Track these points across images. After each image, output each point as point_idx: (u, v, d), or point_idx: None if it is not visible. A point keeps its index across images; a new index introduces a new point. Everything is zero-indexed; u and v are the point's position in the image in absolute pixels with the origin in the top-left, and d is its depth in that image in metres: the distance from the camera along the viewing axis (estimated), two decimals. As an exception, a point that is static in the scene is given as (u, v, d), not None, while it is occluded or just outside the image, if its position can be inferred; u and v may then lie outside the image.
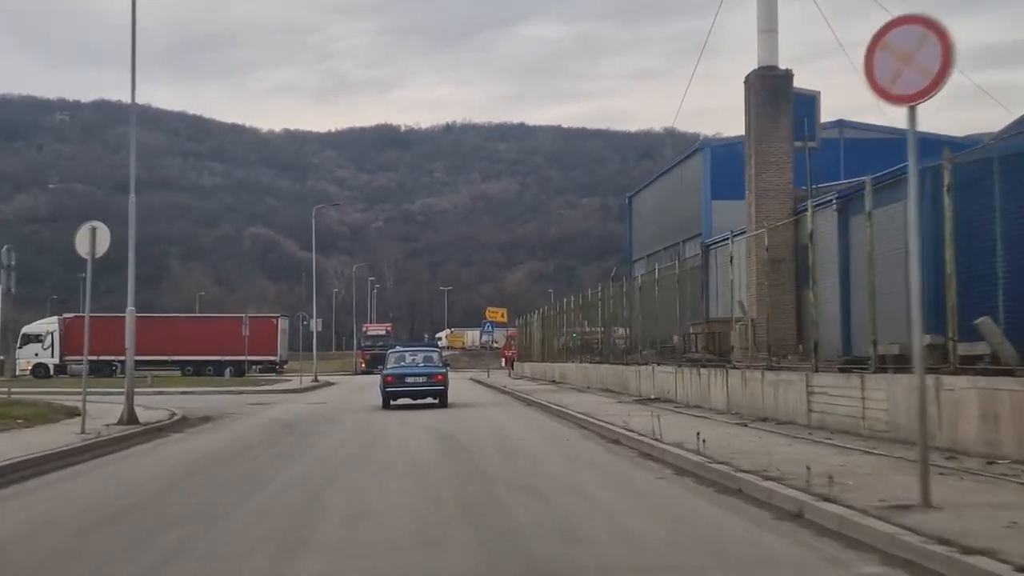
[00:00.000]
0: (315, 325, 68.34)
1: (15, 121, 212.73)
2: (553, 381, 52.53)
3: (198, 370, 78.25)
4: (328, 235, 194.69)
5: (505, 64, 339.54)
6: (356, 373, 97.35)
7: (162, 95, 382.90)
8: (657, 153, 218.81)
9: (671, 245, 56.24)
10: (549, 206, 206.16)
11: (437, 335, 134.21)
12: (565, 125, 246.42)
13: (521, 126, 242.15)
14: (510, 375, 68.55)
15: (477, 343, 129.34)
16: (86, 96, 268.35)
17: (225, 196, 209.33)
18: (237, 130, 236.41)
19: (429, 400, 35.33)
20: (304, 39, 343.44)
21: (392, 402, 34.89)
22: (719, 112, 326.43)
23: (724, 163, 52.10)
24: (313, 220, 72.16)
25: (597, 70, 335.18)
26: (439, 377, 35.26)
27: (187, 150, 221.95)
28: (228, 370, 77.40)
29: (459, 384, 53.64)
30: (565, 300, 57.05)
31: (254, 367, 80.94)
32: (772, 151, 36.71)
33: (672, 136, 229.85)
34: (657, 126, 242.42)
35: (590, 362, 46.40)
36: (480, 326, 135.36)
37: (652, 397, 33.31)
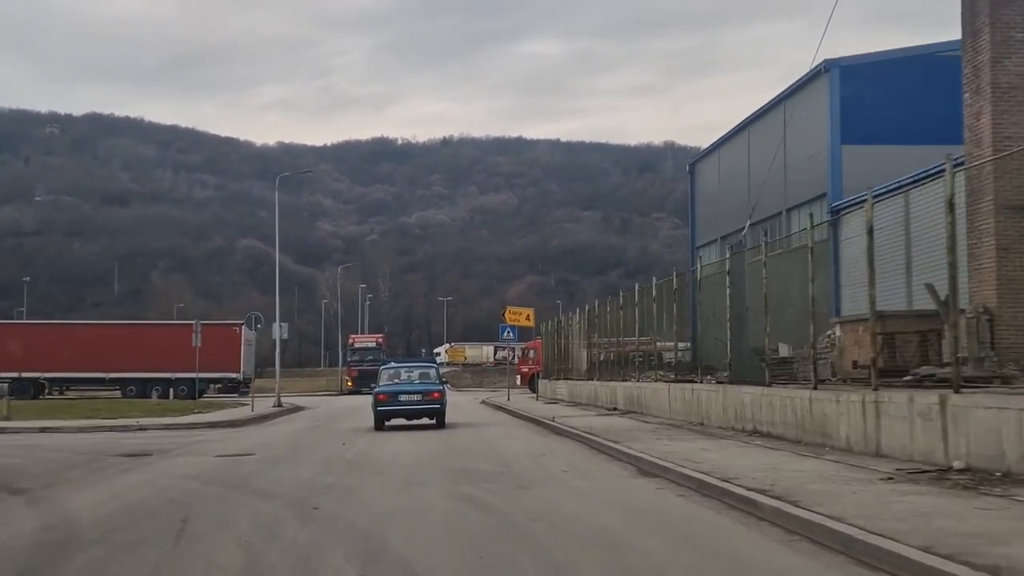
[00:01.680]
0: (279, 331, 49.71)
1: (2, 134, 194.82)
2: (615, 409, 34.04)
3: (143, 391, 59.45)
4: (322, 248, 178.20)
5: (502, 80, 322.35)
6: (341, 392, 78.17)
7: (157, 110, 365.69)
8: (658, 166, 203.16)
9: (768, 218, 37.70)
10: (549, 219, 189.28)
11: (435, 350, 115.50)
12: (564, 139, 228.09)
13: (519, 140, 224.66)
14: (536, 398, 49.76)
15: (491, 359, 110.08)
16: (78, 110, 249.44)
17: (217, 208, 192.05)
18: (231, 143, 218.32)
19: (425, 420, 30.73)
20: (301, 55, 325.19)
21: (385, 423, 30.25)
22: (720, 128, 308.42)
23: (861, 91, 33.68)
24: (276, 193, 53.87)
25: (595, 86, 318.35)
26: (435, 395, 30.55)
27: (179, 162, 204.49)
28: (163, 390, 59.46)
29: (474, 411, 36.39)
30: (622, 295, 38.26)
31: (212, 386, 62.08)
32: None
33: (672, 149, 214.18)
34: (657, 140, 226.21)
35: (698, 382, 26.72)
36: (495, 338, 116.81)
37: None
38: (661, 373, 32.93)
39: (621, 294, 38.99)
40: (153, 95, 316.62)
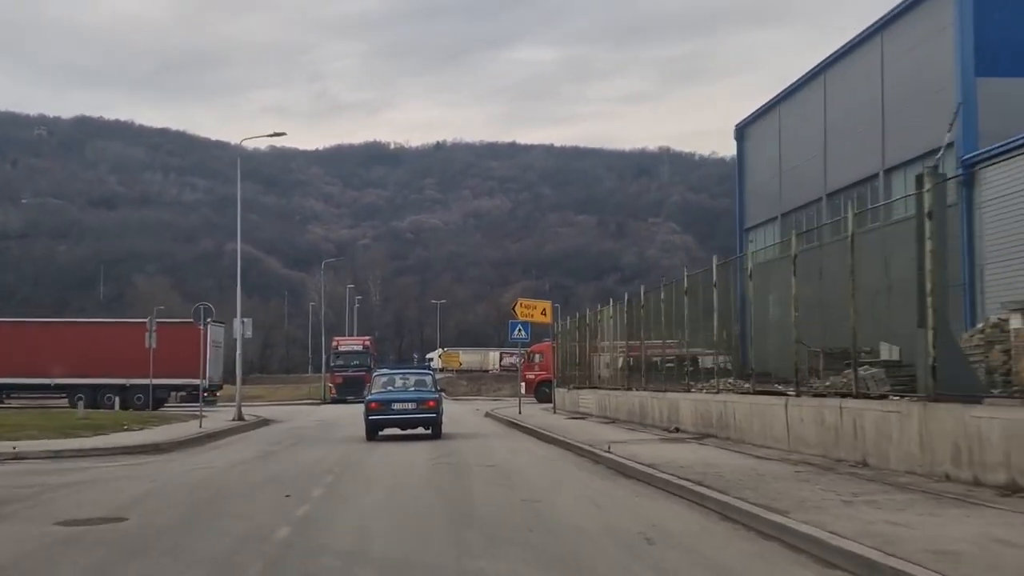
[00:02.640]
0: (240, 328, 40.06)
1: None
2: (677, 430, 24.83)
3: (93, 399, 49.89)
4: (313, 252, 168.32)
5: (495, 86, 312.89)
6: (324, 401, 68.44)
7: (148, 114, 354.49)
8: (654, 171, 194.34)
9: (852, 184, 28.30)
10: (543, 223, 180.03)
11: (428, 355, 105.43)
12: (557, 144, 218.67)
13: (513, 145, 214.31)
14: (553, 410, 40.15)
15: (495, 366, 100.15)
16: (67, 113, 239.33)
17: (207, 212, 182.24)
18: (221, 146, 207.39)
19: (420, 430, 28.16)
20: (295, 59, 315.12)
21: (378, 432, 27.67)
22: (713, 134, 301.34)
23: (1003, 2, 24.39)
24: (239, 168, 44.64)
25: (588, 93, 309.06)
26: (431, 404, 27.84)
27: (169, 165, 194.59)
28: (117, 398, 49.73)
29: (480, 427, 31.97)
30: (665, 285, 28.86)
31: (175, 394, 52.53)
32: None
33: (668, 155, 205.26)
34: (652, 146, 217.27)
35: (852, 396, 16.74)
36: (489, 344, 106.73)
37: None
38: (734, 383, 23.56)
39: (661, 286, 29.56)
40: (145, 99, 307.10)
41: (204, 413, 34.36)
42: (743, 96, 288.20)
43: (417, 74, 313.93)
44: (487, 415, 42.18)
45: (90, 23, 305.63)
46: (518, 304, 41.57)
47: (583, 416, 34.74)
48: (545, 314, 40.91)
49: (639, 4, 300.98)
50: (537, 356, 58.18)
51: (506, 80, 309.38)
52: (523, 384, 58.92)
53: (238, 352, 42.12)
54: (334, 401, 66.92)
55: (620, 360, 33.76)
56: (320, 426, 36.15)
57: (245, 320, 40.17)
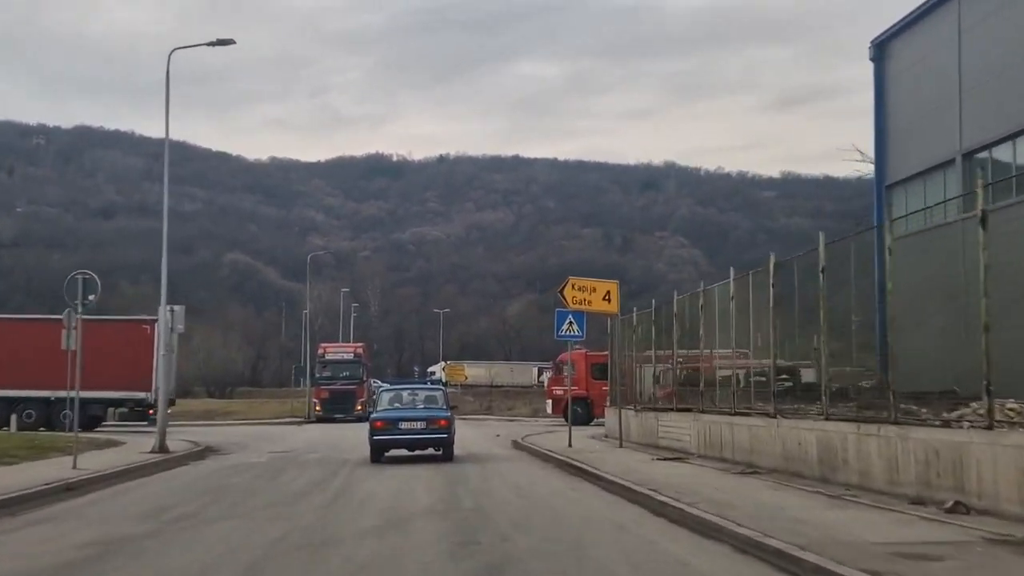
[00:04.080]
0: (166, 319, 27.87)
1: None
2: (909, 498, 12.03)
3: (5, 415, 37.82)
4: (312, 262, 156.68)
5: (498, 101, 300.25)
6: (308, 420, 55.83)
7: (149, 126, 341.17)
8: (660, 184, 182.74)
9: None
10: (548, 236, 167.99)
11: (430, 368, 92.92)
12: (561, 159, 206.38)
13: (516, 158, 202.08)
14: (620, 443, 27.53)
15: (534, 380, 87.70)
16: (67, 123, 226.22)
17: (204, 222, 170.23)
18: (222, 157, 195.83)
19: (430, 451, 24.82)
20: (297, 73, 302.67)
21: (384, 454, 24.70)
22: (718, 151, 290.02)
23: None
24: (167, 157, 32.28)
25: (591, 108, 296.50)
26: (442, 423, 24.59)
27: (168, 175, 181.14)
28: (38, 415, 37.78)
29: (527, 477, 20.75)
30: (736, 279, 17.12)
31: (114, 410, 40.21)
32: None
33: (674, 169, 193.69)
34: (656, 160, 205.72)
35: None
36: (493, 358, 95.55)
37: None
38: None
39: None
40: (147, 111, 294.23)
41: (114, 440, 22.11)
42: (747, 112, 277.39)
43: (420, 88, 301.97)
44: (516, 445, 29.88)
45: (94, 34, 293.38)
46: (568, 286, 28.37)
47: (679, 456, 22.22)
48: (609, 299, 28.26)
49: (640, 20, 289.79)
50: (566, 367, 45.95)
51: (509, 95, 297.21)
52: (550, 402, 46.35)
53: (158, 353, 29.83)
54: (319, 420, 54.37)
55: (739, 374, 21.41)
56: (281, 462, 24.21)
57: (174, 309, 28.03)
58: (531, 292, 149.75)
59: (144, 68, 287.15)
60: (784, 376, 21.11)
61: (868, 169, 32.49)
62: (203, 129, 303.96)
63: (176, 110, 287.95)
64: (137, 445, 26.86)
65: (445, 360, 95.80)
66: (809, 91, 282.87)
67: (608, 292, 27.79)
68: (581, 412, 45.32)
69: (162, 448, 25.19)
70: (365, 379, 57.45)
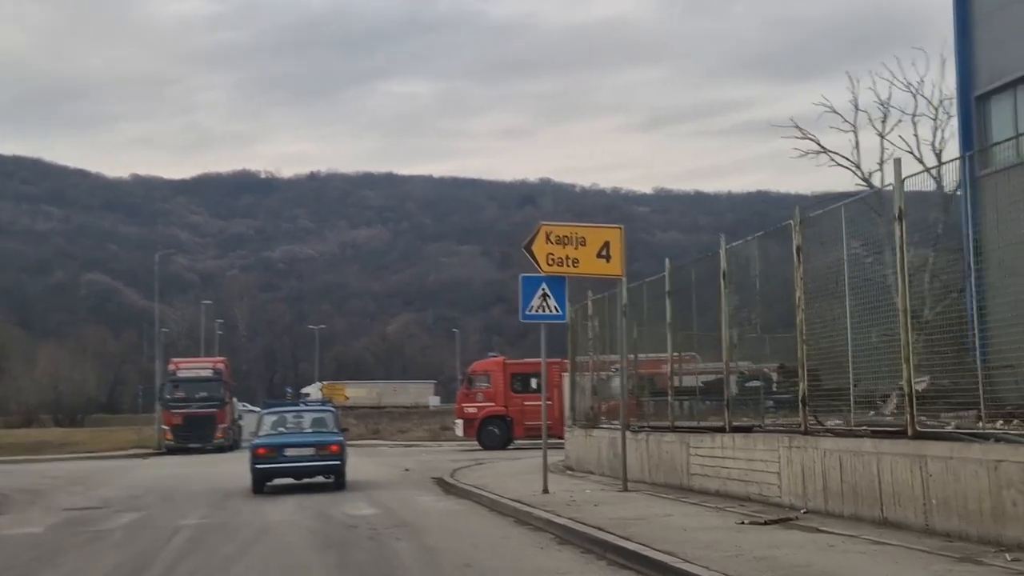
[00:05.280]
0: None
1: None
2: None
3: None
4: (176, 283, 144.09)
5: (370, 120, 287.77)
6: (156, 452, 44.52)
7: (6, 146, 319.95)
8: (537, 201, 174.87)
9: None
10: (425, 253, 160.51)
11: (304, 389, 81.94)
12: (436, 175, 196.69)
13: (390, 175, 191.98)
14: (622, 485, 17.58)
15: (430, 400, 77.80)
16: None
17: (61, 241, 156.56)
18: (81, 174, 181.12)
19: (320, 479, 21.92)
20: (161, 91, 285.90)
21: (267, 483, 21.73)
22: (591, 170, 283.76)
23: None
24: None
25: (465, 127, 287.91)
26: (334, 448, 21.87)
27: (21, 193, 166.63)
28: None
29: None
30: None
31: None
32: None
33: (550, 185, 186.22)
34: (532, 177, 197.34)
35: None
36: (373, 377, 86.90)
37: None
38: None
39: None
40: (2, 130, 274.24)
41: None
42: (620, 132, 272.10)
43: (289, 106, 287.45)
44: (446, 487, 20.10)
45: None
46: (540, 236, 18.26)
47: (783, 517, 12.26)
48: (607, 256, 18.20)
49: (512, 41, 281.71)
50: (482, 380, 36.03)
51: (381, 114, 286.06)
52: (460, 423, 36.34)
53: None
54: (171, 451, 43.37)
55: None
56: (66, 535, 14.35)
57: None
58: (410, 310, 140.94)
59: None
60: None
61: (811, 147, 26.01)
62: (63, 148, 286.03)
63: (33, 127, 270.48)
64: None
65: (321, 380, 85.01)
66: (678, 111, 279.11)
67: (606, 244, 17.95)
68: (498, 433, 35.73)
69: None
70: (227, 401, 46.69)
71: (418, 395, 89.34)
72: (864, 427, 11.75)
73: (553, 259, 18.05)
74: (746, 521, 12.35)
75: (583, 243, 18.09)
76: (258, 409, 34.46)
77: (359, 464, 27.65)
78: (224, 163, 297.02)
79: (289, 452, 21.51)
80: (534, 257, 18.15)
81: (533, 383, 36.47)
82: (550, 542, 12.58)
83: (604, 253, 17.94)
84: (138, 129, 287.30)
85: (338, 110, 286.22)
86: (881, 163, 23.59)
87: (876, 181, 23.20)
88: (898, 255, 10.87)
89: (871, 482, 11.22)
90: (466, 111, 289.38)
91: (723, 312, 15.57)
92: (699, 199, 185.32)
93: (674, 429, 17.63)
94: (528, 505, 15.12)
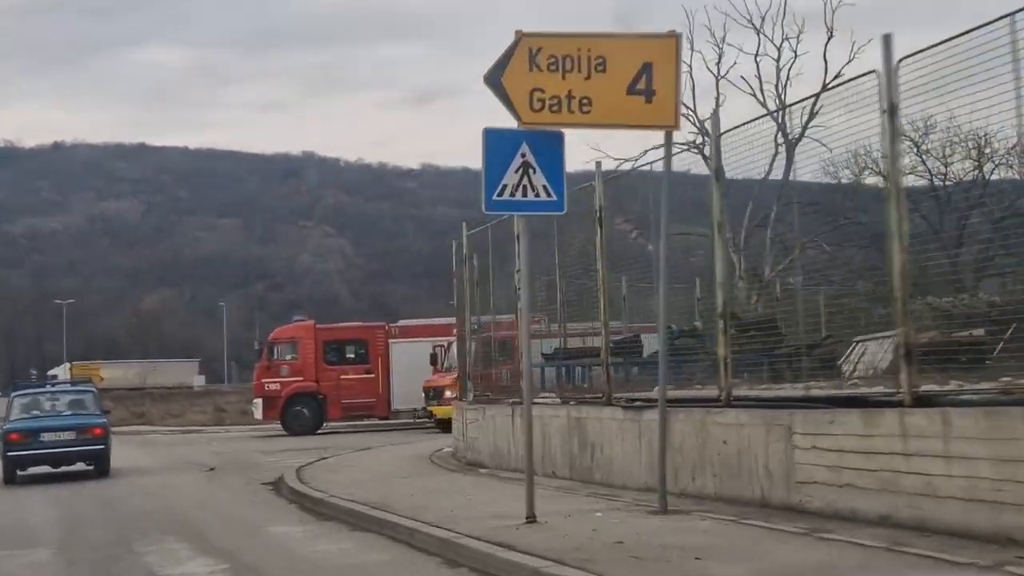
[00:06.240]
0: None
1: None
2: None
3: None
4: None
5: (121, 89, 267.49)
6: None
7: None
8: (301, 174, 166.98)
9: None
10: (181, 227, 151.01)
11: (50, 372, 71.98)
12: (192, 147, 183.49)
13: (143, 146, 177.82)
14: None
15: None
16: None
17: None
18: None
19: (80, 466, 19.87)
20: None
21: (19, 472, 19.66)
22: (356, 144, 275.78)
23: None
24: None
25: (223, 98, 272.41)
26: (97, 431, 19.89)
27: None
28: None
29: None
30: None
31: None
32: None
33: (313, 160, 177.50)
34: (294, 150, 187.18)
35: None
36: (127, 358, 79.87)
37: None
38: None
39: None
40: None
41: None
42: (382, 107, 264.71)
43: (31, 73, 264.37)
44: (312, 508, 12.82)
45: None
46: (518, 54, 9.24)
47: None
48: (650, 90, 9.75)
49: (270, 13, 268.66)
50: (289, 348, 28.80)
51: (133, 83, 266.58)
52: (259, 402, 28.82)
53: None
54: None
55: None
56: None
57: None
58: (165, 286, 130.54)
59: None
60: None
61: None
62: None
63: None
64: None
65: (70, 360, 74.85)
66: (441, 88, 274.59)
67: (645, 68, 9.51)
68: (308, 415, 28.66)
69: None
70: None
71: (181, 375, 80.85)
72: None
73: (543, 99, 9.65)
74: None
75: (602, 67, 9.63)
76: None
77: (135, 459, 21.14)
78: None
79: (46, 437, 19.61)
80: (506, 96, 9.63)
81: (351, 352, 29.65)
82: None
83: (642, 86, 9.66)
84: None
85: (86, 78, 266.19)
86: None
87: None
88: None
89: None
90: (223, 82, 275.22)
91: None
92: (467, 175, 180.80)
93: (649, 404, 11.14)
94: (539, 557, 7.79)
